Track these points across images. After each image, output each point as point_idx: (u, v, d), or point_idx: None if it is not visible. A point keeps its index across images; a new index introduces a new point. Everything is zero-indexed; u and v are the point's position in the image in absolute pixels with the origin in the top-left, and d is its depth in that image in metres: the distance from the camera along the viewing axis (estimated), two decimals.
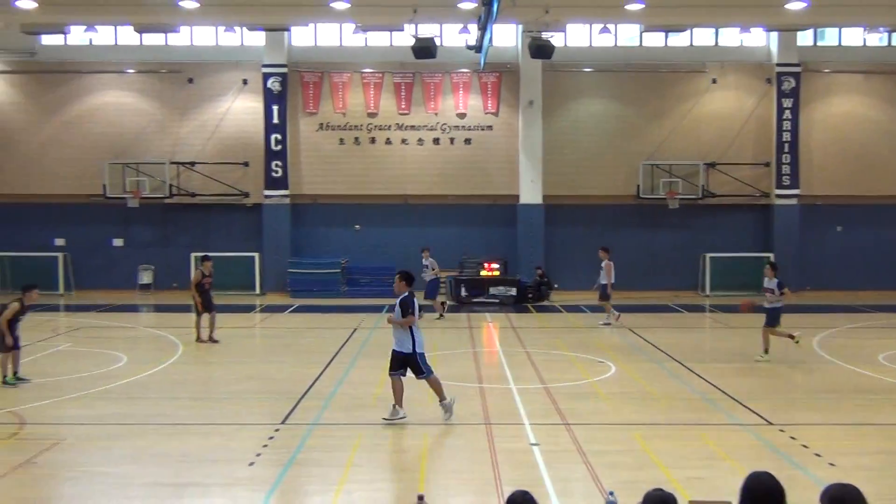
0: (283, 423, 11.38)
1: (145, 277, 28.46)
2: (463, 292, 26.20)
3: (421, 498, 5.26)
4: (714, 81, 28.47)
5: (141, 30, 26.37)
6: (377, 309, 23.48)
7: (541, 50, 22.14)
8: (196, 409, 12.45)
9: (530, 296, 26.22)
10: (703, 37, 28.84)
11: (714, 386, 13.72)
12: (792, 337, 15.95)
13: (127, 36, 28.22)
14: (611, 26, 27.20)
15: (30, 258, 27.67)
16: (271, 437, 10.64)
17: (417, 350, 11.47)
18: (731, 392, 13.19)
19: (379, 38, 28.34)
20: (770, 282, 16.11)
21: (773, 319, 15.98)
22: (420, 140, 28.39)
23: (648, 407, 12.45)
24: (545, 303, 26.00)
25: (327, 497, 8.60)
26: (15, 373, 13.74)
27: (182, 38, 28.11)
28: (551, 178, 28.08)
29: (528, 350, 17.42)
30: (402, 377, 11.51)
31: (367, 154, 28.39)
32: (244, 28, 27.47)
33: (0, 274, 27.70)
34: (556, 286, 23.29)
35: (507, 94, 28.36)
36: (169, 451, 10.11)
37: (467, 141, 28.39)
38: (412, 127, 28.40)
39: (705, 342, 19.83)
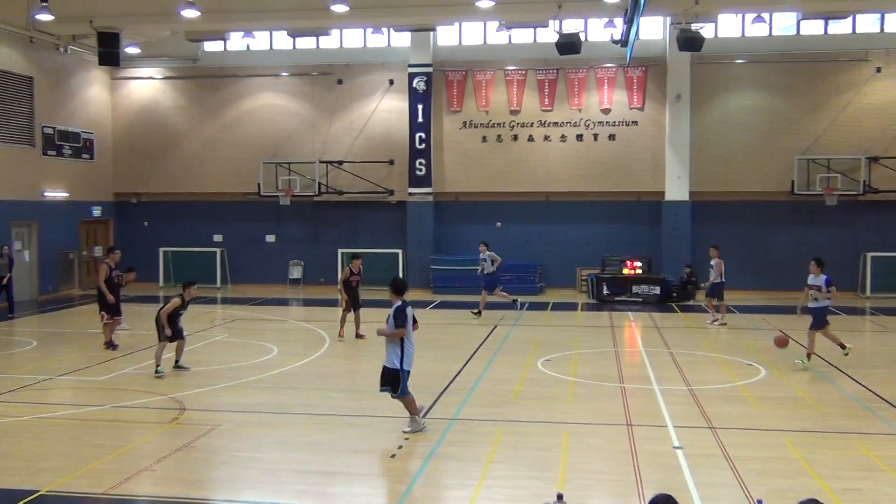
0: (423, 416, 11.54)
1: (295, 272, 29.62)
2: (605, 290, 25.80)
3: (560, 497, 5.22)
4: (878, 70, 26.75)
5: (294, 34, 27.46)
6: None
7: (690, 42, 21.48)
8: (341, 400, 12.83)
9: (675, 295, 25.50)
10: (866, 23, 27.18)
11: (874, 393, 12.91)
12: (843, 346, 14.90)
13: (281, 41, 29.47)
14: (765, 15, 26.08)
15: (192, 253, 29.44)
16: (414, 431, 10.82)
17: (404, 367, 10.76)
18: (893, 399, 12.37)
19: (522, 35, 28.29)
20: (816, 278, 14.83)
21: (820, 320, 14.82)
22: (563, 137, 28.16)
23: (801, 413, 11.86)
24: (690, 302, 25.24)
25: (467, 492, 8.67)
26: (176, 361, 14.57)
27: (332, 41, 29.06)
28: (699, 174, 27.21)
29: (672, 350, 16.96)
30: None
31: (509, 151, 28.42)
32: (391, 29, 28.09)
33: (165, 268, 29.61)
34: (702, 285, 22.55)
35: (654, 89, 27.67)
36: (316, 441, 10.48)
37: (611, 137, 27.92)
38: (555, 123, 28.20)
39: (865, 346, 18.68)
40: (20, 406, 12.24)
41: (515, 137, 28.37)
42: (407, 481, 8.90)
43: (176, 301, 14.37)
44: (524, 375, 14.38)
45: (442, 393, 13.05)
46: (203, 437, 10.56)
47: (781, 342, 15.27)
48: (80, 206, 28.43)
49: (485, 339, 18.22)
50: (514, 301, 22.29)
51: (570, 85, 27.98)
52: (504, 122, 28.40)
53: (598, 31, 26.60)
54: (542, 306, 24.53)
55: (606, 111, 27.93)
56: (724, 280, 20.63)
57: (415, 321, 11.23)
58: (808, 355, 14.89)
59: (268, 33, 29.30)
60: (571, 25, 23.97)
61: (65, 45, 27.07)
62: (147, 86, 30.30)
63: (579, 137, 28.08)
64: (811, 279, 14.94)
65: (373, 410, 12.00)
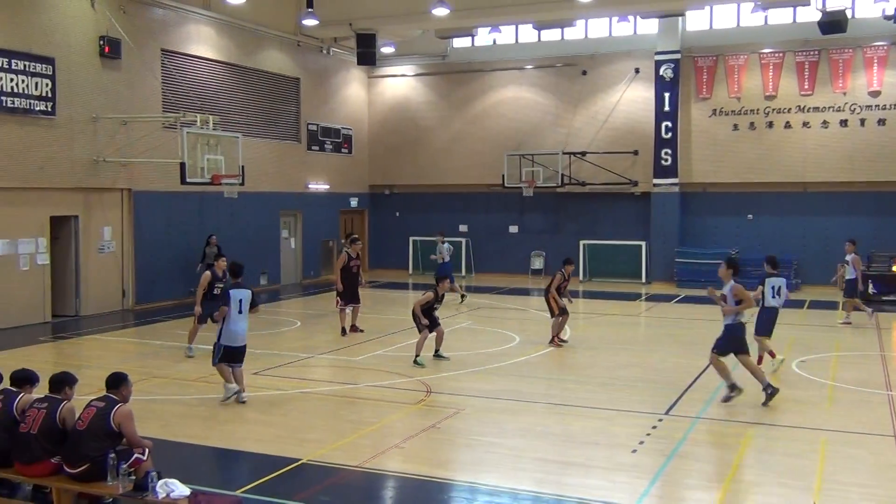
0: (666, 413, 11.27)
1: (537, 263, 29.92)
2: (870, 289, 23.69)
3: None
4: None
5: (540, 27, 27.66)
6: None
7: None
8: (580, 391, 12.81)
9: None
10: None
11: None
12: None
13: (527, 34, 29.80)
14: None
15: (437, 242, 30.54)
16: (654, 427, 10.59)
17: (220, 342, 11.75)
18: None
19: (780, 16, 26.62)
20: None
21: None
22: (824, 122, 26.18)
23: None
24: None
25: (711, 494, 8.36)
26: (436, 351, 14.94)
27: (577, 31, 28.95)
28: None
29: None
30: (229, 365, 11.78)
31: (762, 139, 26.87)
32: (638, 17, 27.50)
33: (414, 256, 31.05)
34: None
35: None
36: (555, 430, 10.55)
37: (881, 122, 25.57)
38: (815, 108, 26.27)
39: None
40: (286, 380, 13.38)
41: (770, 124, 26.77)
42: (647, 478, 8.72)
43: (429, 295, 14.83)
44: (777, 376, 13.58)
45: (686, 390, 12.64)
46: (448, 420, 10.97)
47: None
48: (339, 197, 30.49)
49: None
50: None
51: (834, 66, 25.92)
52: (757, 109, 26.89)
53: (867, 6, 24.41)
54: (797, 304, 23.00)
55: (875, 94, 25.60)
56: (857, 276, 19.08)
57: (254, 304, 12.09)
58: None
59: (514, 27, 29.75)
60: (836, 2, 22.19)
61: (327, 47, 29.11)
62: (399, 83, 31.84)
63: (843, 123, 25.97)
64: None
65: (613, 403, 11.86)
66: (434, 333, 14.90)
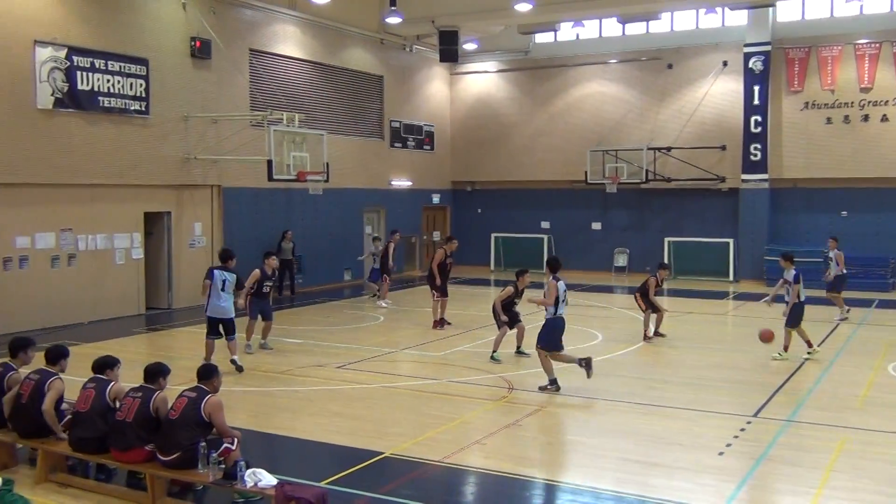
0: (755, 415, 10.98)
1: (620, 260, 29.54)
2: None
3: None
4: None
5: (625, 20, 27.28)
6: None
7: None
8: (665, 391, 12.58)
9: None
10: None
11: None
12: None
13: (611, 28, 29.41)
14: None
15: (520, 239, 30.58)
16: (742, 429, 10.33)
17: (206, 313, 13.73)
18: None
19: (877, 5, 25.59)
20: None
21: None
22: None
23: None
24: None
25: (802, 499, 8.10)
26: (518, 347, 14.93)
27: (663, 24, 28.42)
28: None
29: None
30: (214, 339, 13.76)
31: (857, 133, 25.89)
32: (726, 9, 26.83)
33: (496, 252, 31.04)
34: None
35: None
36: (638, 430, 10.39)
37: None
38: None
39: None
40: (370, 374, 13.55)
41: (866, 118, 25.77)
42: (735, 481, 8.51)
43: (509, 290, 14.82)
44: (872, 380, 13.09)
45: (776, 392, 12.29)
46: (529, 417, 10.93)
47: (765, 336, 14.45)
48: (421, 193, 30.68)
49: (826, 338, 16.84)
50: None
51: None
52: (852, 102, 25.91)
53: None
54: (894, 304, 22.13)
55: None
56: (846, 272, 19.37)
57: (239, 286, 14.04)
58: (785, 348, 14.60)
59: (597, 21, 29.39)
60: None
61: (410, 44, 29.31)
62: (481, 79, 31.83)
63: None
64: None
65: (698, 403, 11.62)
66: (514, 330, 14.87)
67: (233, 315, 13.74)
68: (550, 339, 12.42)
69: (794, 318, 14.66)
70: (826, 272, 19.82)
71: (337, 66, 26.34)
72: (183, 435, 7.67)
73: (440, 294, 18.21)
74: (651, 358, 15.21)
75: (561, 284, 12.49)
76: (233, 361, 13.55)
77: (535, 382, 12.85)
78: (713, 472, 8.80)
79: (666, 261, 27.71)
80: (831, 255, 19.71)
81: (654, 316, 16.89)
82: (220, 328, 13.72)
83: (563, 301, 12.53)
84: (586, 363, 12.23)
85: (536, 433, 10.35)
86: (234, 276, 13.83)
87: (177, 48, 20.74)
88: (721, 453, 9.40)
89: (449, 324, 18.22)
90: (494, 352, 14.54)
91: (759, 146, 26.70)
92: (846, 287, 19.78)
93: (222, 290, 13.60)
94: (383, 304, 21.66)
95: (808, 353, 14.70)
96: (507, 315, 14.75)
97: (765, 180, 26.84)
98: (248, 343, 15.46)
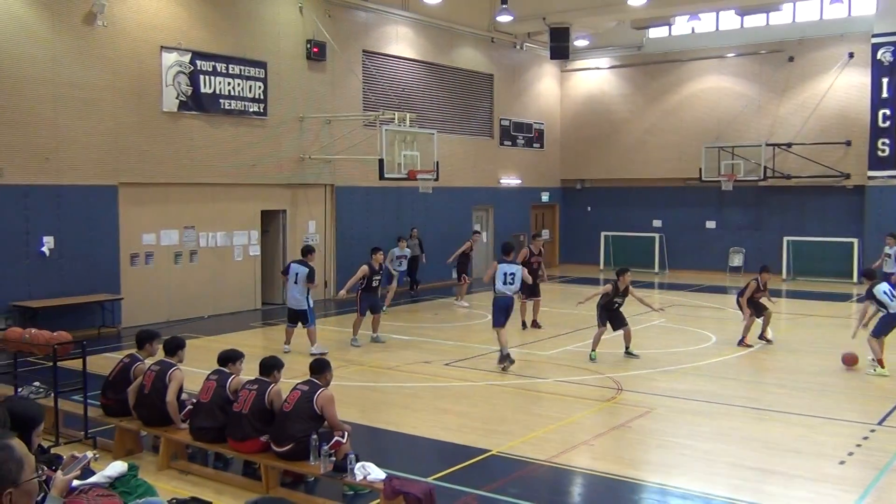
0: (879, 423, 10.47)
1: (736, 260, 28.63)
2: None
3: None
4: None
5: (743, 12, 26.42)
6: None
7: None
8: (781, 396, 12.13)
9: None
10: None
11: None
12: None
13: (728, 20, 28.55)
14: None
15: (630, 238, 30.06)
16: (865, 438, 9.87)
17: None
18: None
19: None
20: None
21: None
22: None
23: None
24: None
25: None
26: (626, 348, 14.70)
27: (784, 16, 27.40)
28: None
29: None
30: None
31: None
32: None
33: (605, 251, 30.62)
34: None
35: None
36: (753, 435, 10.06)
37: None
38: None
39: None
40: (476, 372, 13.60)
41: None
42: (857, 492, 8.14)
43: (607, 288, 14.65)
44: None
45: None
46: (639, 419, 10.75)
47: (849, 361, 13.40)
48: (530, 191, 30.57)
49: None
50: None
51: None
52: None
53: None
54: None
55: None
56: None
57: (310, 279, 14.88)
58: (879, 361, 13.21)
59: (714, 14, 28.58)
60: None
61: (520, 42, 29.23)
62: (593, 76, 31.44)
63: None
64: None
65: (818, 410, 11.17)
66: (622, 331, 14.63)
67: (304, 307, 14.80)
68: (492, 316, 13.98)
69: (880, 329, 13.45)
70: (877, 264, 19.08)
71: (447, 65, 26.54)
72: (296, 427, 7.89)
73: (526, 295, 17.53)
74: (767, 362, 14.69)
75: (502, 266, 13.88)
76: (312, 354, 13.42)
77: (645, 384, 12.64)
78: (833, 482, 8.44)
79: (785, 260, 26.82)
80: (889, 251, 19.42)
81: (759, 321, 15.92)
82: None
83: (503, 282, 13.77)
84: (506, 358, 13.53)
85: (646, 436, 10.16)
86: (306, 269, 14.87)
87: (293, 51, 21.34)
88: (842, 462, 9.01)
89: (539, 327, 17.85)
90: (592, 351, 14.44)
91: (887, 141, 25.36)
92: None
93: (295, 282, 14.84)
94: (463, 305, 21.48)
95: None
96: (610, 315, 14.52)
97: (894, 177, 25.48)
98: (354, 338, 15.83)
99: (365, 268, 15.71)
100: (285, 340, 15.20)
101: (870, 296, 13.66)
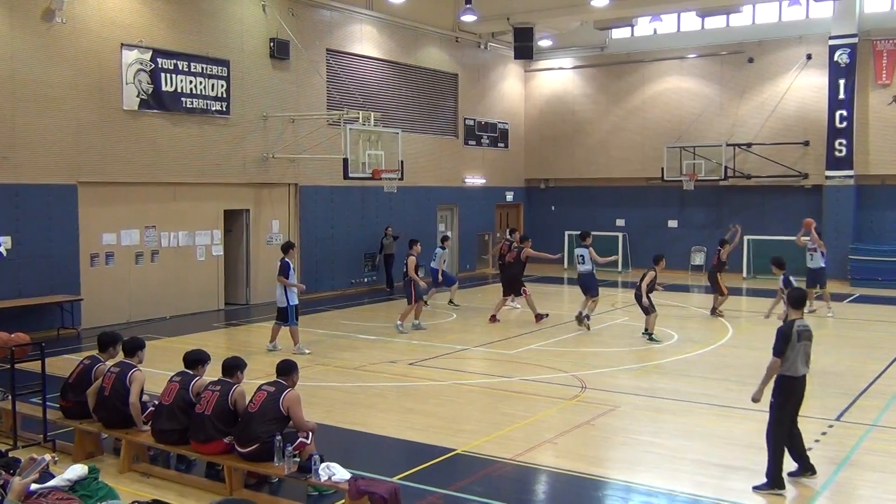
0: (836, 419, 10.65)
1: (697, 259, 28.94)
2: None
3: None
4: None
5: (704, 14, 26.72)
6: None
7: None
8: (743, 392, 12.16)
9: None
10: None
11: None
12: None
13: (689, 22, 28.86)
14: None
15: (594, 237, 30.08)
16: (823, 433, 10.03)
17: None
18: None
19: None
20: None
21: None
22: None
23: None
24: None
25: None
26: (648, 331, 16.03)
27: (744, 18, 27.77)
28: None
29: None
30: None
31: None
32: (810, 0, 26.05)
33: (568, 252, 30.70)
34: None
35: None
36: (716, 432, 10.18)
37: None
38: None
39: None
40: (442, 371, 13.61)
41: None
42: (815, 487, 8.27)
43: (652, 274, 16.17)
44: None
45: (859, 395, 11.90)
46: (603, 417, 10.83)
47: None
48: (495, 191, 30.65)
49: None
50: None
51: None
52: None
53: None
54: None
55: None
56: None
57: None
58: None
59: (675, 15, 28.88)
60: None
61: (485, 42, 29.30)
62: (556, 76, 31.61)
63: None
64: None
65: None
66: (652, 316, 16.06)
67: (282, 304, 14.93)
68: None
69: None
70: None
71: (412, 64, 26.51)
72: (261, 428, 7.83)
73: (506, 292, 18.81)
74: (728, 359, 14.87)
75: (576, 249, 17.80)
76: (294, 354, 13.78)
77: (609, 382, 12.74)
78: (794, 477, 8.56)
79: (745, 259, 27.17)
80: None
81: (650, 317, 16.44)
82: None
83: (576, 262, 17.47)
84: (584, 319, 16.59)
85: (610, 433, 10.24)
86: (280, 264, 14.99)
87: (256, 49, 21.17)
88: None
89: (497, 321, 18.49)
90: (651, 333, 15.81)
91: (844, 142, 25.84)
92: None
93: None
94: (514, 307, 20.39)
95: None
96: (649, 300, 15.94)
97: (850, 177, 25.97)
98: (416, 322, 17.44)
99: (413, 259, 17.08)
100: (270, 338, 15.26)
101: (787, 283, 15.51)
